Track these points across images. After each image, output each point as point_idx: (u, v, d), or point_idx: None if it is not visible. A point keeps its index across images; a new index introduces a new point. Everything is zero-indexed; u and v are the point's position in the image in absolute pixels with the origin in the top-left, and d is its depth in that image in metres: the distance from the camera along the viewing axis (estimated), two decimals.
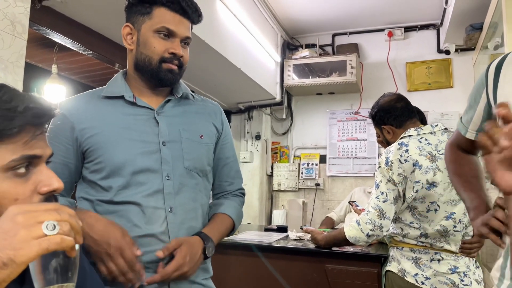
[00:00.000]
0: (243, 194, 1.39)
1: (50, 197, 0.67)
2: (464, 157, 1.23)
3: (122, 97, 1.16)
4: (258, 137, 4.09)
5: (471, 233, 1.72)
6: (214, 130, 1.28)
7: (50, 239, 0.54)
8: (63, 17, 2.12)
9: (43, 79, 3.26)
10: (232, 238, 2.28)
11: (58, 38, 2.16)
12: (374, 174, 1.81)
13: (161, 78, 1.15)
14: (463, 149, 1.24)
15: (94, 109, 1.15)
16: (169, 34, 1.13)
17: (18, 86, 1.41)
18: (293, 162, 4.13)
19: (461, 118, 1.21)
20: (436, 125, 1.78)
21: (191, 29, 1.20)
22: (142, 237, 1.08)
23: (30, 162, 0.66)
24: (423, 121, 2.04)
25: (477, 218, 1.04)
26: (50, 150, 0.70)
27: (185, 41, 1.17)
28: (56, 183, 0.68)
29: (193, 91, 1.30)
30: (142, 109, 1.16)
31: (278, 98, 3.88)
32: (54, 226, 0.55)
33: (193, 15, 1.18)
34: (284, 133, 4.22)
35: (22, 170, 0.65)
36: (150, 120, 1.16)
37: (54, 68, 3.14)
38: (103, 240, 1.01)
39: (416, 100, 3.12)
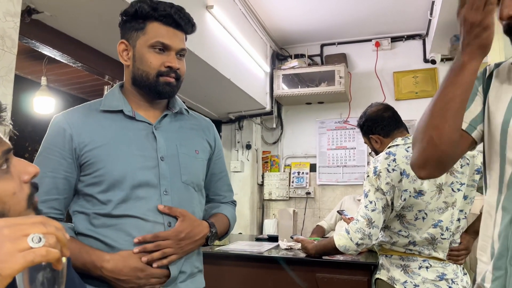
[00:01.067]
0: (235, 204, 1.44)
1: (33, 182, 0.70)
2: None
3: (121, 111, 1.17)
4: (248, 147, 4.11)
5: (458, 241, 1.75)
6: (207, 146, 1.30)
7: (35, 251, 0.54)
8: (52, 30, 2.13)
9: (32, 91, 3.25)
10: (224, 248, 2.28)
11: (47, 51, 2.17)
12: (363, 182, 1.84)
13: (159, 91, 1.15)
14: None
15: (94, 123, 1.15)
16: (164, 48, 1.14)
17: (8, 100, 1.42)
18: (284, 171, 4.16)
19: None
20: None
21: (186, 39, 1.22)
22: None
23: (7, 157, 0.68)
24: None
25: None
26: (10, 144, 0.71)
27: (181, 53, 1.18)
28: (33, 168, 0.70)
29: (188, 107, 1.32)
30: (140, 124, 1.17)
31: (268, 107, 3.92)
32: (40, 238, 0.55)
33: (187, 26, 1.19)
34: (274, 143, 4.25)
35: (4, 166, 0.67)
36: (148, 134, 1.17)
37: (43, 80, 3.14)
38: (130, 277, 1.06)
39: (404, 108, 3.17)
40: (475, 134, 0.99)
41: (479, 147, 1.06)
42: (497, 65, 1.02)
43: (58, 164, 1.10)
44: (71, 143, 1.11)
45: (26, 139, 4.10)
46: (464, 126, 0.98)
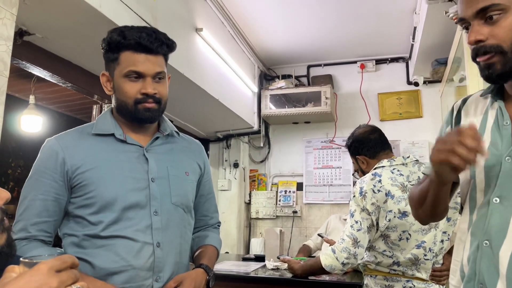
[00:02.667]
0: (219, 225, 1.49)
1: (2, 207, 0.70)
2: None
3: (112, 135, 1.19)
4: (236, 165, 4.13)
5: (441, 261, 1.79)
6: (197, 168, 1.33)
7: None
8: (43, 51, 2.15)
9: (20, 109, 3.24)
10: None
11: (37, 71, 2.18)
12: (349, 201, 1.88)
13: (140, 118, 1.18)
14: None
15: (86, 146, 1.17)
16: (138, 75, 1.15)
17: None
18: (271, 190, 4.18)
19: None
20: (408, 157, 1.86)
21: (166, 59, 1.21)
22: (127, 271, 1.10)
23: None
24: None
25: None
26: None
27: (158, 77, 1.17)
28: (5, 194, 0.70)
29: (178, 127, 1.37)
30: (132, 147, 1.20)
31: (255, 127, 3.96)
32: None
33: (159, 48, 1.16)
34: (261, 161, 4.28)
35: None
36: (140, 157, 1.19)
37: (31, 98, 3.14)
38: None
39: (388, 129, 3.24)
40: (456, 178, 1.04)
41: None
42: (464, 101, 1.07)
43: (49, 186, 1.12)
44: (63, 166, 1.13)
45: (10, 155, 4.05)
46: None
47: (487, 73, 0.91)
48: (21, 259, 0.62)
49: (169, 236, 1.18)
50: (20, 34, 1.89)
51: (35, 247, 1.09)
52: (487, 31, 0.88)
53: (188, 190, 1.27)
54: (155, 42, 1.15)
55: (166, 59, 1.22)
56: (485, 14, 0.88)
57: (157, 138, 1.24)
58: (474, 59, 0.93)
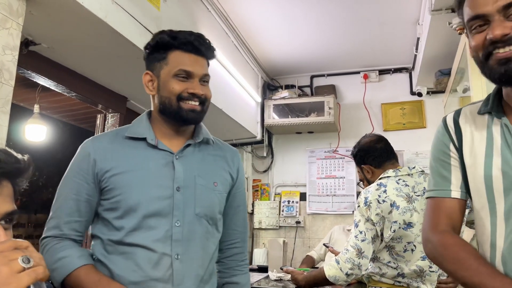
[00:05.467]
0: (246, 261, 1.39)
1: None
2: (464, 242, 0.98)
3: (144, 139, 1.19)
4: None
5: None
6: (229, 179, 1.29)
7: (36, 270, 0.59)
8: (48, 61, 2.17)
9: (24, 118, 3.26)
10: None
11: (43, 81, 2.20)
12: (353, 211, 1.87)
13: (183, 117, 1.17)
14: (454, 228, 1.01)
15: (117, 149, 1.18)
16: (187, 75, 1.17)
17: (3, 131, 1.44)
18: (274, 200, 4.16)
19: (431, 191, 1.05)
20: (413, 167, 1.85)
21: (208, 65, 1.24)
22: (146, 281, 1.08)
23: None
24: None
25: None
26: (5, 208, 0.70)
27: (204, 79, 1.21)
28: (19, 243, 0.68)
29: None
30: (162, 152, 1.19)
31: (259, 136, 3.96)
32: (28, 259, 0.59)
33: (208, 52, 1.21)
34: (265, 171, 4.27)
35: None
36: (168, 164, 1.18)
37: (36, 108, 3.16)
38: None
39: (392, 139, 3.19)
40: (467, 196, 1.01)
41: None
42: (457, 116, 1.03)
43: (81, 187, 1.15)
44: (94, 168, 1.15)
45: None
46: (458, 194, 0.99)
47: (504, 69, 0.87)
48: None
49: (190, 248, 1.14)
50: (26, 44, 1.90)
51: (66, 247, 1.11)
52: (510, 25, 0.86)
53: (215, 202, 1.22)
54: (205, 45, 1.20)
55: (208, 64, 1.25)
56: (508, 11, 0.86)
57: (189, 145, 1.23)
58: (488, 56, 0.90)
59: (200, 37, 1.19)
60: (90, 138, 1.23)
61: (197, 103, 1.18)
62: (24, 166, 0.73)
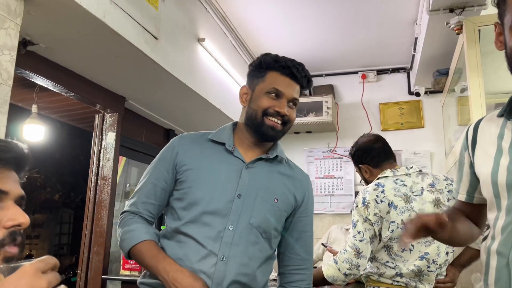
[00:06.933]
0: None
1: (14, 232, 0.70)
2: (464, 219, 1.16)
3: (223, 144, 1.29)
4: None
5: (445, 273, 1.77)
6: (292, 199, 1.31)
7: None
8: (46, 61, 2.17)
9: (22, 118, 3.25)
10: None
11: (41, 81, 2.20)
12: (351, 211, 1.87)
13: (263, 132, 1.26)
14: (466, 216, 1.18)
15: (198, 148, 1.29)
16: (277, 94, 1.25)
17: (1, 131, 1.44)
18: None
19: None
20: (411, 167, 1.85)
21: (300, 93, 1.32)
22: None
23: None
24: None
25: None
26: (20, 191, 0.73)
27: (293, 102, 1.28)
28: (22, 218, 0.71)
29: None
30: (236, 159, 1.28)
31: None
32: None
33: (302, 79, 1.29)
34: None
35: None
36: (237, 172, 1.26)
37: (34, 108, 3.15)
38: None
39: (390, 139, 3.19)
40: (476, 200, 1.10)
41: None
42: (478, 123, 1.08)
43: (161, 174, 1.26)
44: (175, 159, 1.27)
45: None
46: (463, 198, 1.12)
47: None
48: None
49: (237, 253, 1.18)
50: (24, 44, 1.90)
51: (138, 222, 1.23)
52: None
53: (271, 216, 1.26)
54: (301, 73, 1.28)
55: (301, 92, 1.33)
56: None
57: (261, 158, 1.29)
58: None
59: (299, 64, 1.29)
60: (180, 134, 1.36)
61: (279, 122, 1.25)
62: (27, 154, 0.76)
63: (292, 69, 1.26)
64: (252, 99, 1.29)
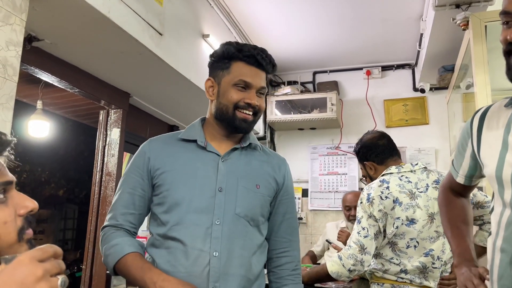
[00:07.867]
0: (299, 269, 1.37)
1: (28, 217, 0.72)
2: (455, 200, 1.29)
3: (195, 141, 1.27)
4: None
5: (450, 270, 1.77)
6: (273, 184, 1.32)
7: None
8: (51, 57, 2.17)
9: (27, 114, 3.26)
10: None
11: (46, 77, 2.20)
12: (356, 208, 1.87)
13: (236, 126, 1.25)
14: (456, 191, 1.30)
15: (170, 149, 1.27)
16: (245, 86, 1.24)
17: (7, 127, 1.44)
18: None
19: (452, 161, 1.27)
20: (416, 164, 1.85)
21: (266, 79, 1.30)
22: (184, 278, 1.12)
23: (5, 188, 0.71)
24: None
25: (460, 265, 1.10)
26: (13, 177, 0.74)
27: (261, 91, 1.27)
28: (31, 204, 0.73)
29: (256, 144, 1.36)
30: (210, 154, 1.26)
31: (261, 133, 3.96)
32: (65, 282, 0.60)
33: (268, 66, 1.28)
34: None
35: (1, 195, 0.70)
36: (214, 166, 1.25)
37: (39, 104, 3.16)
38: None
39: (394, 136, 3.19)
40: (473, 183, 1.19)
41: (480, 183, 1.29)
42: (485, 112, 1.07)
43: (137, 182, 1.24)
44: (148, 165, 1.25)
45: (16, 159, 4.05)
46: (462, 180, 1.21)
47: None
48: None
49: (229, 247, 1.18)
50: (29, 39, 1.90)
51: (120, 235, 1.20)
52: None
53: (256, 203, 1.26)
54: (266, 59, 1.27)
55: (267, 78, 1.31)
56: None
57: (235, 149, 1.29)
58: (508, 53, 0.94)
59: (263, 51, 1.27)
60: (149, 139, 1.33)
61: (250, 113, 1.25)
62: (7, 138, 0.76)
63: (257, 57, 1.24)
64: (220, 92, 1.26)
